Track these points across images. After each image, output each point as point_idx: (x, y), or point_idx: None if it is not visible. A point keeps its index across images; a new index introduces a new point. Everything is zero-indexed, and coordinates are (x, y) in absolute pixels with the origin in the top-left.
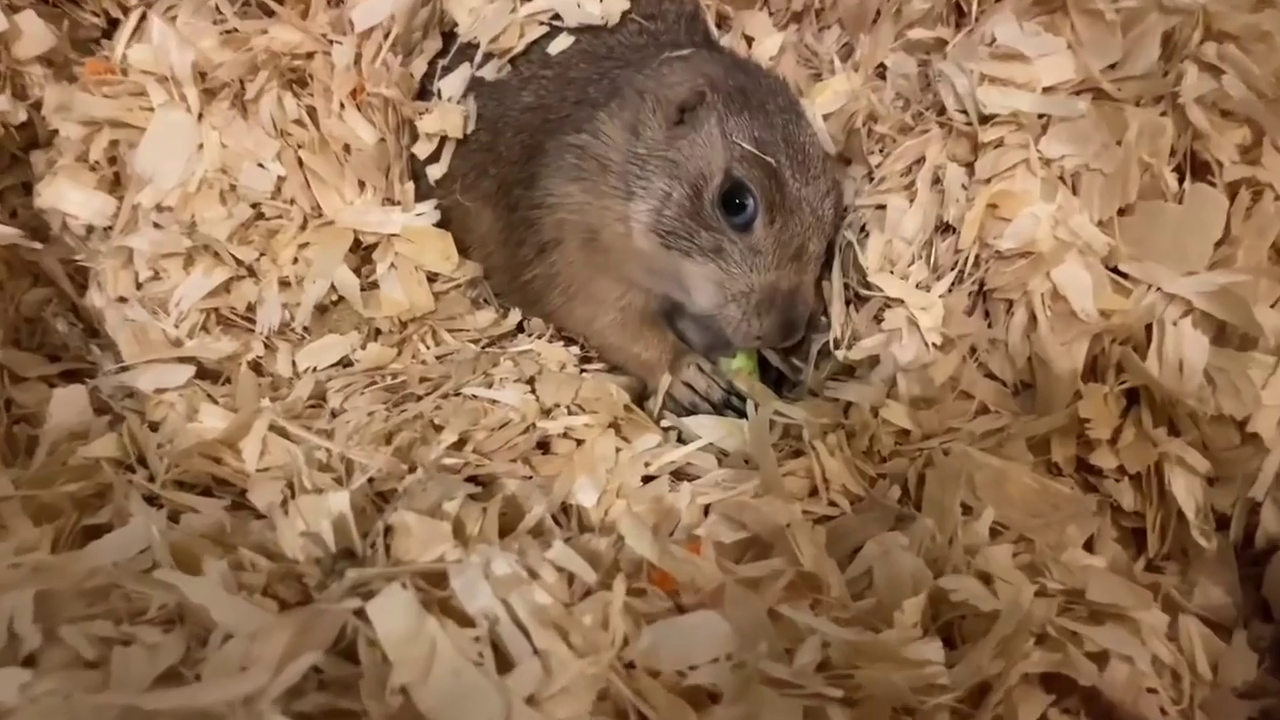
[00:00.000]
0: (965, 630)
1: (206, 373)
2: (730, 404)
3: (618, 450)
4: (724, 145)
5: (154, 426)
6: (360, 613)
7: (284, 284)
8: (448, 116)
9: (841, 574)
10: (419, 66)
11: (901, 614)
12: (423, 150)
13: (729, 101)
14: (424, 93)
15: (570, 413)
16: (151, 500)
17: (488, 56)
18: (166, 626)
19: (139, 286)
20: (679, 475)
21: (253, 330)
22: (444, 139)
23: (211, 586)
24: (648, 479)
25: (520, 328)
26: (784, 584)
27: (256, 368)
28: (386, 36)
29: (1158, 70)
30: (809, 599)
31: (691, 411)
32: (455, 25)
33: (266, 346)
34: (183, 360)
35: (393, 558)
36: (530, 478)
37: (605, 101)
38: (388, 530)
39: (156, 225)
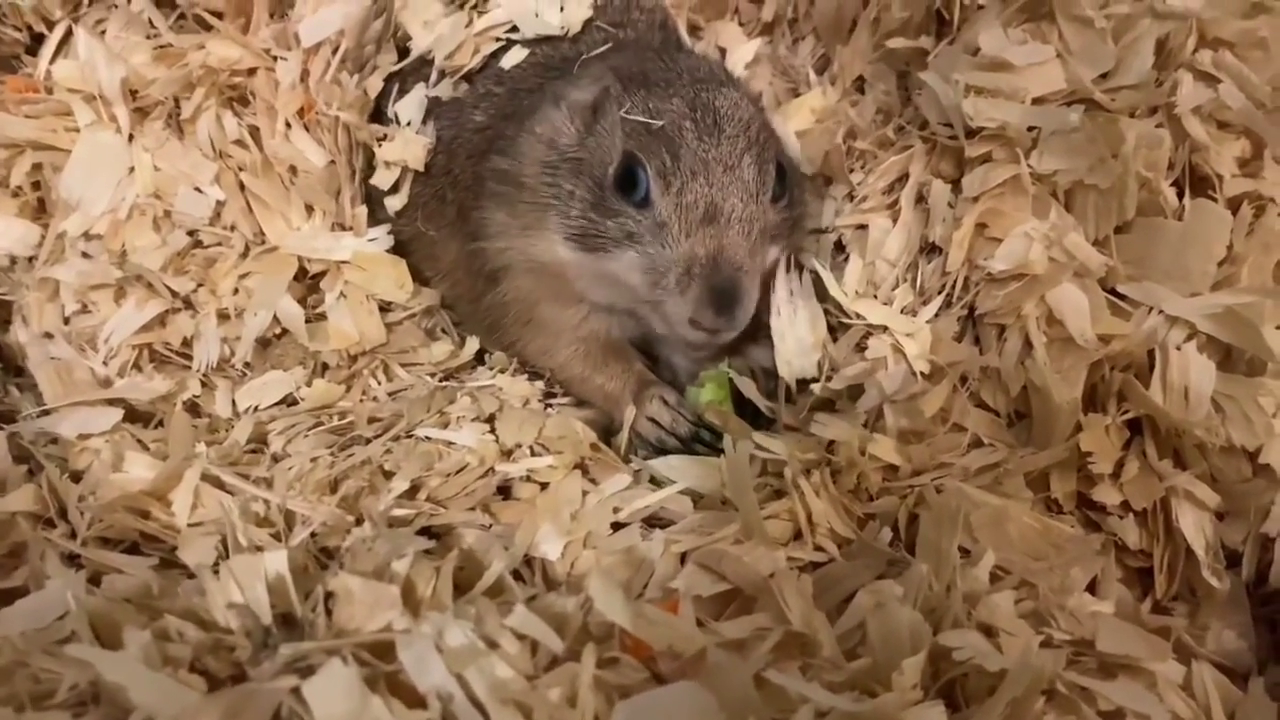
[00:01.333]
0: (969, 690)
1: (137, 415)
2: (701, 439)
3: (584, 494)
4: (620, 128)
5: (76, 477)
6: (297, 692)
7: (223, 316)
8: (409, 146)
9: (832, 628)
10: (374, 84)
11: (900, 675)
12: (382, 180)
13: (629, 86)
14: (379, 112)
15: (533, 453)
16: (71, 559)
17: (442, 74)
18: (78, 711)
19: (66, 321)
20: (651, 521)
21: (189, 367)
22: (405, 169)
23: (131, 663)
24: (617, 526)
25: (481, 359)
26: (771, 645)
27: (193, 408)
28: (335, 52)
29: (1151, 79)
30: (798, 660)
31: (660, 449)
32: (410, 40)
33: (204, 385)
34: (110, 402)
35: (334, 627)
36: (489, 527)
37: (527, 116)
38: (329, 595)
39: (84, 255)
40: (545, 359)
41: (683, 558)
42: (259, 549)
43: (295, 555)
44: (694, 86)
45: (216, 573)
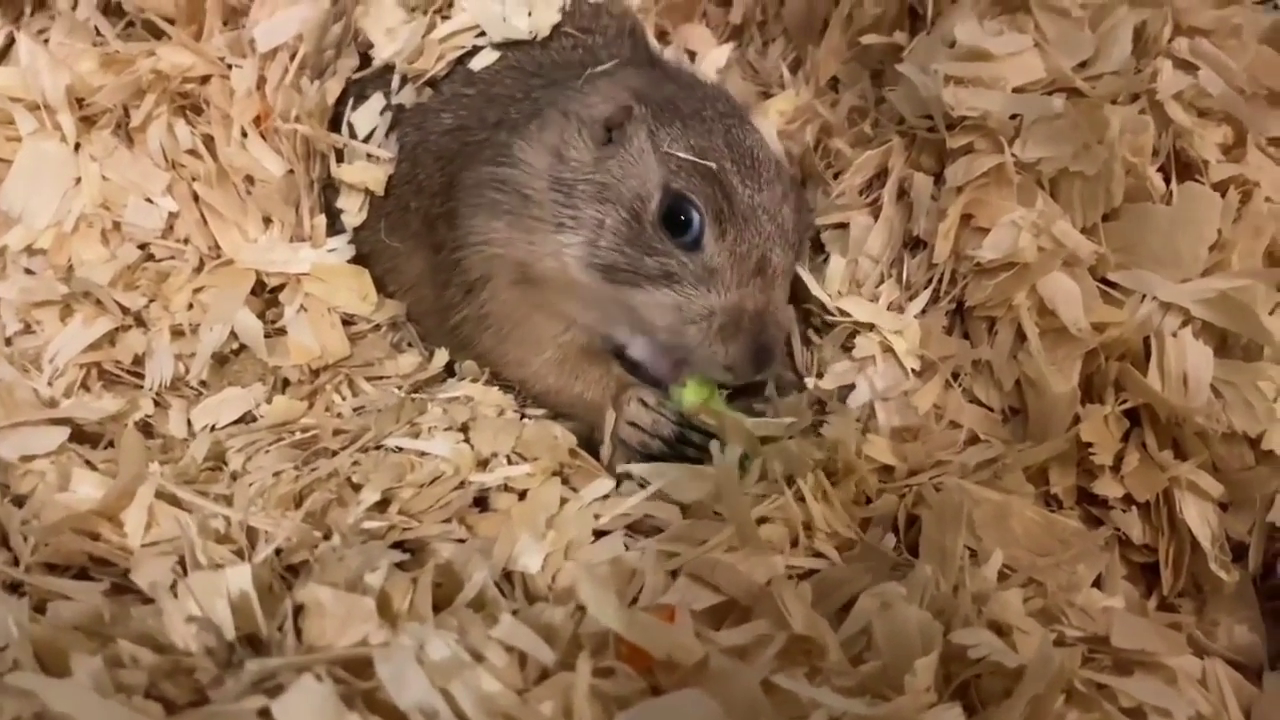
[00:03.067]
0: (983, 691)
1: (85, 436)
2: (686, 439)
3: (564, 501)
4: (657, 159)
5: (19, 501)
6: (265, 713)
7: (177, 333)
8: (369, 171)
9: (835, 634)
10: (333, 88)
11: (913, 677)
12: (346, 203)
13: (659, 113)
14: (338, 118)
15: (510, 462)
16: (14, 588)
17: (404, 80)
18: None
19: (8, 341)
20: (636, 530)
21: (141, 386)
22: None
23: (80, 691)
24: (600, 534)
25: (450, 371)
26: (775, 651)
27: (145, 429)
28: (294, 58)
29: (1130, 67)
30: (804, 666)
31: (646, 454)
32: (371, 46)
33: (157, 404)
34: (55, 422)
35: (305, 643)
36: (465, 540)
37: (525, 124)
38: (298, 610)
39: (28, 271)
40: (519, 370)
41: (675, 572)
42: (220, 567)
43: (259, 573)
44: (723, 122)
45: (174, 592)
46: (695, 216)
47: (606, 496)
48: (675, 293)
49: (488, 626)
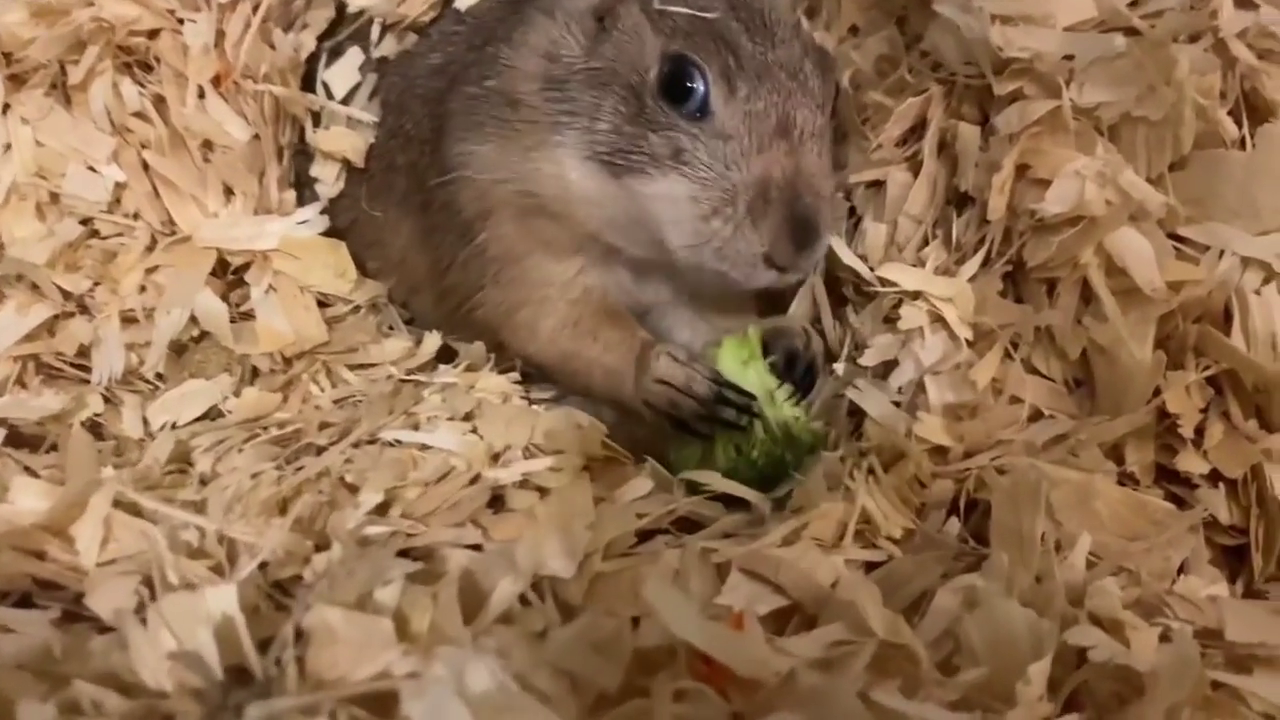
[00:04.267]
0: (1096, 698)
1: (23, 439)
2: (723, 398)
3: (598, 501)
4: (653, 27)
5: None
6: None
7: (128, 319)
8: (348, 138)
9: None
10: (307, 41)
11: (1026, 685)
12: (321, 172)
13: None
14: (310, 76)
15: (528, 454)
16: None
17: (385, 30)
18: None
19: None
20: (677, 526)
21: (88, 381)
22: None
23: None
24: (644, 535)
25: (448, 356)
26: (865, 662)
27: (95, 429)
28: (256, 9)
29: (1187, 3)
30: (895, 679)
31: (676, 419)
32: None
33: (107, 400)
34: None
35: (311, 678)
36: (478, 546)
37: (510, 35)
38: (300, 636)
39: None
40: (527, 337)
41: (722, 568)
42: (196, 587)
43: (245, 591)
44: None
45: (142, 620)
46: (698, 77)
47: (649, 495)
48: (687, 177)
49: (532, 646)
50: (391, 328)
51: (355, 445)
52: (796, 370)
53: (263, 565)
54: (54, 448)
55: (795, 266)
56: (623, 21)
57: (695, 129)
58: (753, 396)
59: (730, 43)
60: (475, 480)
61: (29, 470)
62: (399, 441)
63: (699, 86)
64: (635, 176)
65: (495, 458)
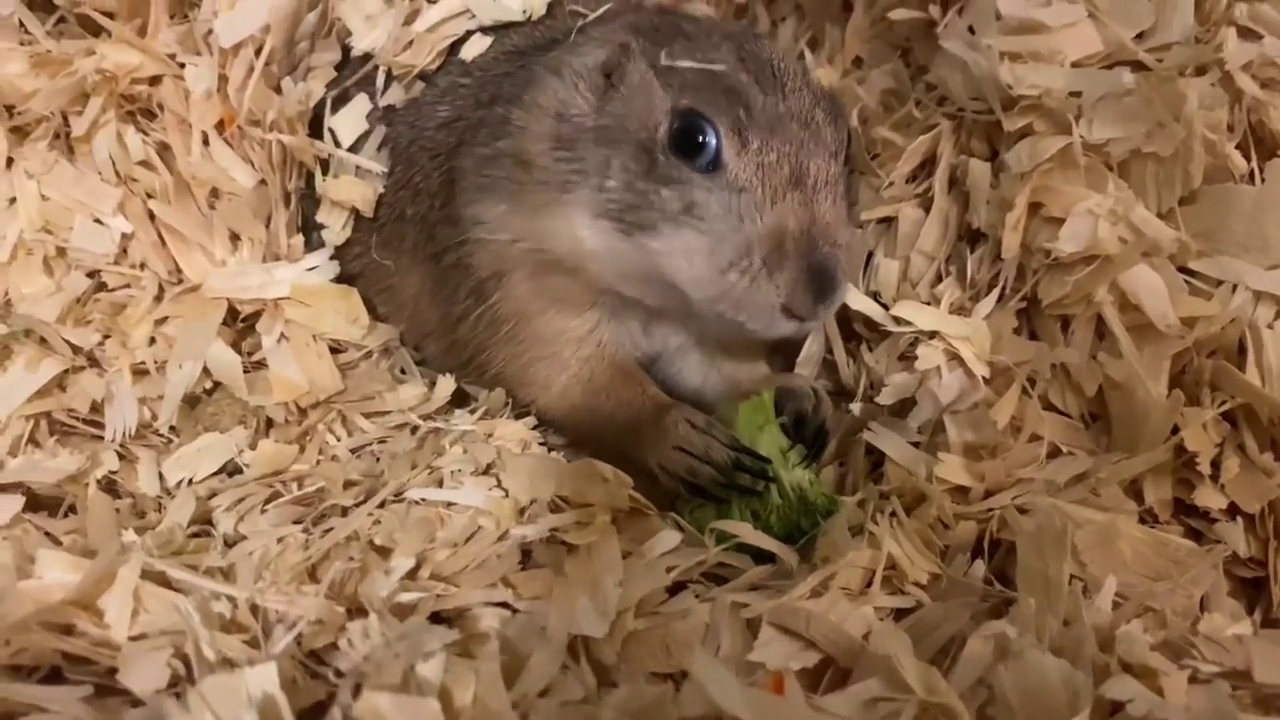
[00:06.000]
0: None
1: (40, 503)
2: (742, 465)
3: (625, 556)
4: (661, 82)
5: None
6: None
7: (139, 373)
8: (357, 187)
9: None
10: (316, 88)
11: None
12: (329, 219)
13: (657, 36)
14: (317, 121)
15: (553, 508)
16: None
17: (390, 77)
18: None
19: None
20: (705, 576)
21: (101, 438)
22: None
23: None
24: (673, 590)
25: (460, 401)
26: None
27: (111, 487)
28: (259, 52)
29: (1193, 36)
30: None
31: (694, 486)
32: (350, 35)
33: (122, 457)
34: (4, 488)
35: None
36: (507, 605)
37: (519, 95)
38: None
39: None
40: (542, 392)
41: (749, 623)
42: (232, 663)
43: (282, 666)
44: (734, 39)
45: (180, 699)
46: (709, 131)
47: (677, 548)
48: (701, 231)
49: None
50: (404, 370)
51: (381, 505)
52: (806, 431)
53: (297, 636)
54: (72, 509)
55: (814, 316)
56: (630, 78)
57: (708, 183)
58: (768, 461)
59: (740, 95)
60: (503, 537)
61: (51, 536)
62: (425, 500)
63: (710, 140)
64: (647, 233)
65: (521, 512)
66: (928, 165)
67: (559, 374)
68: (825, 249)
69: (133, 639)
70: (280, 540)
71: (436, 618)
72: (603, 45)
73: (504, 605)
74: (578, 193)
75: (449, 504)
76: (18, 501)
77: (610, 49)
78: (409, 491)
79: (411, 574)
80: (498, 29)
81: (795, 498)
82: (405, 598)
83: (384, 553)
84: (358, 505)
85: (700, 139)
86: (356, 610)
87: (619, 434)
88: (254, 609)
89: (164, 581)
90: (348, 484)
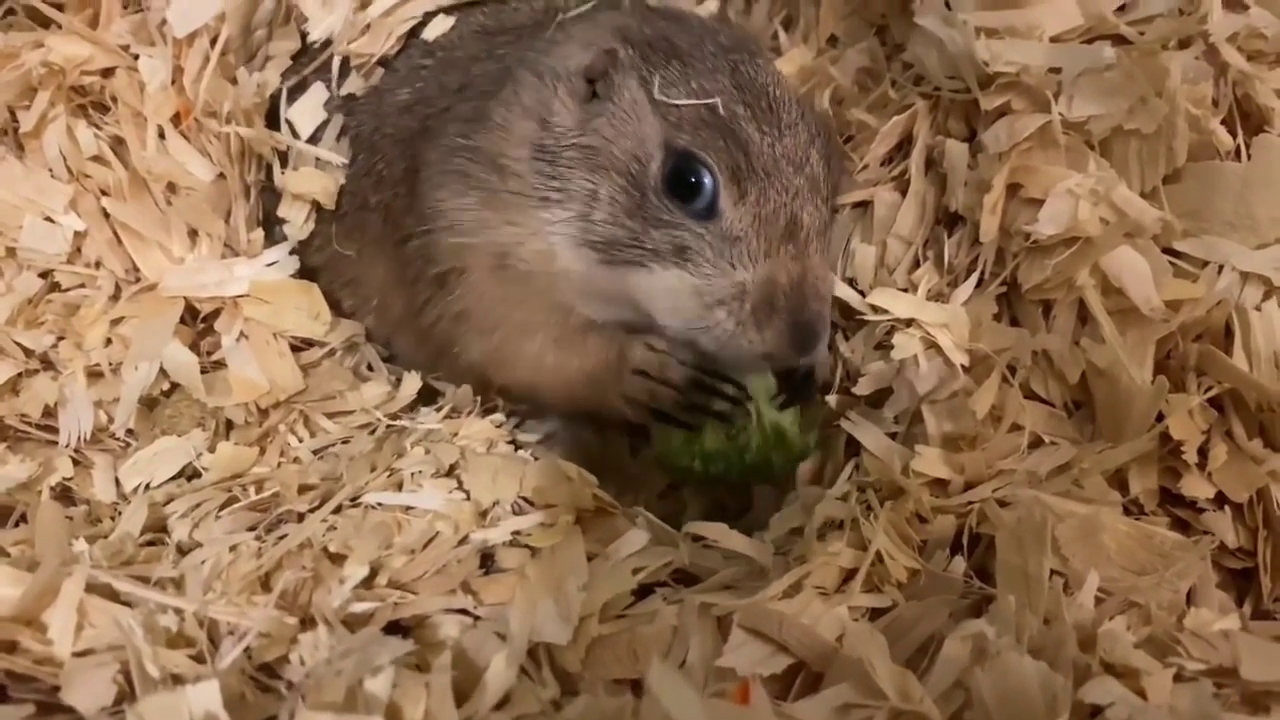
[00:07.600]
0: None
1: None
2: (704, 385)
3: (591, 558)
4: (654, 110)
5: None
6: None
7: (94, 375)
8: (318, 179)
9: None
10: (272, 77)
11: None
12: (290, 213)
13: (650, 54)
14: (274, 112)
15: (516, 509)
16: None
17: (346, 65)
18: None
19: None
20: (675, 576)
21: (55, 443)
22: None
23: None
24: (640, 593)
25: (426, 399)
26: None
27: (65, 494)
28: (215, 42)
29: (1176, 8)
30: None
31: (658, 413)
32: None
33: (76, 463)
34: None
35: None
36: (467, 612)
37: (495, 89)
38: None
39: None
40: (510, 366)
41: (721, 620)
42: (177, 680)
43: (229, 681)
44: (729, 58)
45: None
46: (707, 178)
47: (644, 549)
48: (690, 273)
49: None
50: (370, 367)
51: (337, 510)
52: (795, 377)
53: (247, 649)
54: (24, 519)
55: (793, 362)
56: (618, 95)
57: (701, 229)
58: (741, 386)
59: (739, 137)
60: (463, 541)
61: None
62: (382, 504)
63: (707, 185)
64: (634, 269)
65: (483, 514)
66: (904, 147)
67: (530, 341)
68: (814, 305)
69: (77, 655)
70: (233, 549)
71: (395, 627)
72: (586, 48)
73: (464, 612)
74: (558, 213)
75: (407, 508)
76: None
77: (594, 53)
78: (366, 496)
79: (367, 582)
80: (461, 6)
81: (772, 432)
82: (359, 607)
83: (339, 560)
84: (313, 510)
85: (695, 184)
86: (309, 621)
87: (589, 383)
88: (201, 621)
89: (111, 594)
90: (303, 488)
